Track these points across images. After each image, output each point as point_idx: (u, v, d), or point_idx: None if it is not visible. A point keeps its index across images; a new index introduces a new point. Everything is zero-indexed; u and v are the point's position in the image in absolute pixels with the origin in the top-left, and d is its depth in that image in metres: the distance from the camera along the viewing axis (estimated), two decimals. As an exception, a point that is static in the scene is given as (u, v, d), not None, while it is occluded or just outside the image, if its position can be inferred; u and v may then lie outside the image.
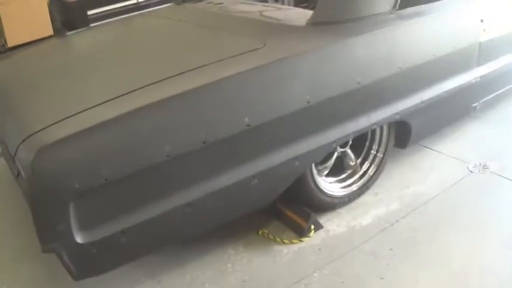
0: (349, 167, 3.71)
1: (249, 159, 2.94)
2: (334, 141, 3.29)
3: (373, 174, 3.79)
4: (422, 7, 3.83)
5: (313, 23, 3.45)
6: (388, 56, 3.44)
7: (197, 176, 2.81)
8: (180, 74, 2.92)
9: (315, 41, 3.26)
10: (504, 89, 4.67)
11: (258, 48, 3.13)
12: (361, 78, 3.24)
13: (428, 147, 4.28)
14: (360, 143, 3.75)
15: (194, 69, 2.96)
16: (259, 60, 2.97)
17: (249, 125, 2.84)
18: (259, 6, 4.23)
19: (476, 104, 4.34)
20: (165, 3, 5.25)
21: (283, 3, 5.17)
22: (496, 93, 4.58)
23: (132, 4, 7.11)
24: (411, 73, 3.54)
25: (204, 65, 2.99)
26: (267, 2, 4.99)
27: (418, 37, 3.67)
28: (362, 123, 3.38)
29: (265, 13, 3.95)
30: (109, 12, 7.01)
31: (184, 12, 4.52)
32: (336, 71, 3.20)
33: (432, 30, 3.76)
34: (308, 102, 3.01)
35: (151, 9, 5.42)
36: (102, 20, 6.44)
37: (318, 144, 3.17)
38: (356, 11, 3.47)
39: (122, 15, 6.03)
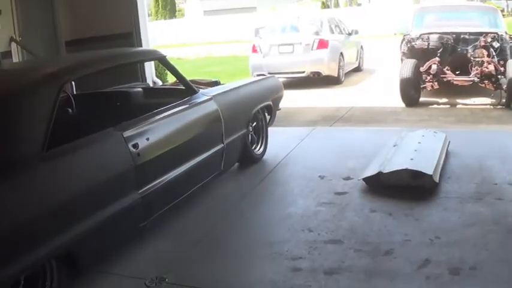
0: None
1: None
2: None
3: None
4: (72, 144, 4.05)
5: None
6: (37, 196, 3.59)
7: None
8: None
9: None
10: (173, 203, 5.00)
11: None
12: (12, 221, 3.34)
13: (104, 271, 4.37)
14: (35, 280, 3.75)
15: None
16: None
17: None
18: None
19: (145, 222, 4.60)
20: None
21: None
22: (165, 208, 4.87)
23: None
24: (59, 209, 3.69)
25: None
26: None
27: (69, 173, 3.90)
28: (18, 266, 3.41)
29: None
30: None
31: None
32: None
33: (80, 164, 4.02)
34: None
35: None
36: None
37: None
38: (2, 157, 3.58)
39: None
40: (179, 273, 4.31)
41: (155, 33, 23.14)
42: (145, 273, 4.34)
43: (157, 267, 4.42)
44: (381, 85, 13.34)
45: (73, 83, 6.91)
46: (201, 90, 5.92)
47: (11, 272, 3.39)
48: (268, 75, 9.13)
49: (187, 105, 5.44)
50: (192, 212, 5.44)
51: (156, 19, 51.74)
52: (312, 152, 7.33)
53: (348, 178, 5.97)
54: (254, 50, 14.65)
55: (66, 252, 3.83)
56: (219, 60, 21.15)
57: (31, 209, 3.52)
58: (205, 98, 5.73)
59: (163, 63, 5.71)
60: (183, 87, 5.78)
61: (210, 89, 6.37)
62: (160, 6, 56.11)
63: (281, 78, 13.30)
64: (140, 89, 6.36)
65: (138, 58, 6.30)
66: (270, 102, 7.07)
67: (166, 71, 11.92)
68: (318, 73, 13.88)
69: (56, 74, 4.30)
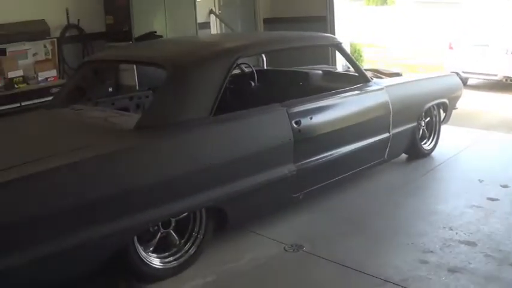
0: (173, 245, 4.29)
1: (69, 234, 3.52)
2: (146, 223, 3.95)
3: (194, 254, 4.36)
4: (238, 113, 4.59)
5: (138, 127, 4.15)
6: (199, 153, 4.19)
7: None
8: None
9: (134, 142, 4.01)
10: (330, 181, 5.37)
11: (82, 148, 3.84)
12: (173, 171, 4.00)
13: (249, 230, 4.88)
14: (185, 225, 4.35)
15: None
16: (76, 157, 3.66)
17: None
18: (109, 113, 4.88)
19: (298, 194, 5.01)
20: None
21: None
22: (319, 185, 5.25)
23: (15, 107, 7.54)
24: (222, 167, 4.27)
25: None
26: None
27: (230, 138, 4.44)
28: (172, 209, 4.07)
29: (109, 119, 4.63)
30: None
31: (47, 117, 5.11)
32: (151, 167, 3.91)
33: (244, 131, 4.56)
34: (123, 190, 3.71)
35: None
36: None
37: (132, 224, 3.81)
38: (175, 117, 4.23)
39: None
40: (317, 245, 4.68)
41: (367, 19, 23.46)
42: (285, 239, 4.78)
43: (299, 236, 4.84)
44: None
45: (264, 58, 7.40)
46: (374, 79, 6.16)
47: (164, 213, 4.05)
48: (450, 73, 9.05)
49: (357, 92, 5.72)
50: (346, 193, 5.77)
51: (368, 5, 51.64)
52: (481, 155, 7.26)
53: (505, 186, 5.96)
54: (450, 47, 14.41)
55: (217, 207, 4.39)
56: (420, 52, 20.80)
57: (192, 163, 4.14)
58: (377, 87, 5.94)
59: (338, 49, 6.00)
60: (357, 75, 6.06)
61: (384, 79, 6.59)
62: (372, -8, 55.95)
63: (472, 79, 13.08)
64: (320, 72, 6.71)
65: (311, 43, 6.43)
66: (446, 100, 7.05)
67: (362, 57, 12.31)
68: (511, 78, 13.34)
69: (232, 49, 4.85)
